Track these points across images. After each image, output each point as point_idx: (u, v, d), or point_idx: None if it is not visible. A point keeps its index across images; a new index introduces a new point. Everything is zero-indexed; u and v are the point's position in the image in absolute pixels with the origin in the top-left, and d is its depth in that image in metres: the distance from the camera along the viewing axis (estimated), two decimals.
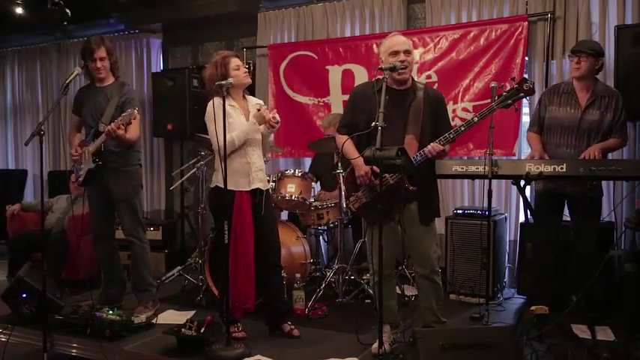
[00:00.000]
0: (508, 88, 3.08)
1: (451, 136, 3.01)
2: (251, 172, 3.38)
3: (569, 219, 3.78)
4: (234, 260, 3.30)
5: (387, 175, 3.01)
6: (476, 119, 3.01)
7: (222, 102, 3.15)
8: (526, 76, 4.53)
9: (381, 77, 2.93)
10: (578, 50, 3.48)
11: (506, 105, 3.03)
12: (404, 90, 3.11)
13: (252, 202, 3.37)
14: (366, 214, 3.24)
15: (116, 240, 4.12)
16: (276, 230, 3.57)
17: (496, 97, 3.48)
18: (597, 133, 3.49)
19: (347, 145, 3.11)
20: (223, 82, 3.15)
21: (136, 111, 3.64)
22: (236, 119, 3.34)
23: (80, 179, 3.89)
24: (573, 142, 3.51)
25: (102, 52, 3.79)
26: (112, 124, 3.62)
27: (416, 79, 4.71)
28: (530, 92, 3.04)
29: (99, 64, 3.80)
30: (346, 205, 3.53)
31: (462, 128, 3.03)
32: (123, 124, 3.61)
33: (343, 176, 3.83)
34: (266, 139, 3.50)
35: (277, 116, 3.37)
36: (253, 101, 3.54)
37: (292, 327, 3.50)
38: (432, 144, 3.00)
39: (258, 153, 3.45)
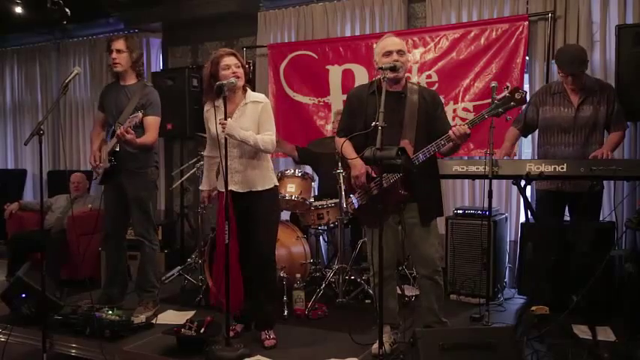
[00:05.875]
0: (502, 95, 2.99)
1: (442, 142, 2.96)
2: (230, 174, 3.23)
3: (569, 218, 3.79)
4: (220, 261, 3.24)
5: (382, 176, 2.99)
6: (468, 130, 2.93)
7: (213, 106, 3.17)
8: (526, 76, 4.54)
9: (380, 77, 2.92)
10: (572, 73, 3.50)
11: (497, 114, 2.94)
12: (397, 91, 3.10)
13: (235, 205, 3.22)
14: (360, 215, 3.25)
15: (125, 240, 4.12)
16: (261, 240, 3.29)
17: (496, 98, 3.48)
18: (594, 128, 3.54)
19: (345, 146, 3.10)
20: (224, 82, 3.10)
21: (140, 114, 3.63)
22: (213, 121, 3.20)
23: (98, 178, 3.90)
24: (571, 140, 3.57)
25: (119, 44, 3.76)
26: (121, 127, 3.62)
27: (416, 79, 4.79)
28: (522, 102, 2.96)
29: (115, 54, 3.77)
30: (346, 205, 3.50)
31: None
32: (130, 127, 3.61)
33: (344, 176, 3.84)
34: (245, 142, 3.19)
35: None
36: (251, 97, 3.31)
37: (268, 337, 3.32)
38: (457, 126, 2.89)
39: (234, 155, 3.25)
